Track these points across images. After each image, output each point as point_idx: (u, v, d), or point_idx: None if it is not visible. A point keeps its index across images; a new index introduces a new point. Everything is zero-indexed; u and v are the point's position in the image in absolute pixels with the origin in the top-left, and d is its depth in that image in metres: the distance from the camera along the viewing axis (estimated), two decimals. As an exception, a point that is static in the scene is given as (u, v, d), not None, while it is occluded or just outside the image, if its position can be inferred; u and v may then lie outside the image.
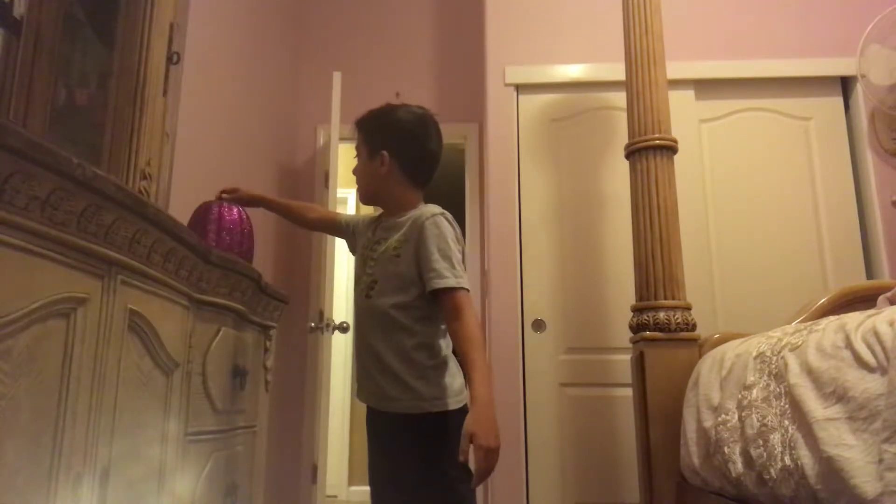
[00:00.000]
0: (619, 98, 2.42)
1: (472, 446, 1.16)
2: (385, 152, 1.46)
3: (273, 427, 2.13)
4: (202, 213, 1.66)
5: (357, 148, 1.53)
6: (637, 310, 2.07)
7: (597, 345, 2.69)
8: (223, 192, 1.74)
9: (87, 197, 0.84)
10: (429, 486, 1.30)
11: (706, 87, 2.92)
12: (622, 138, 2.30)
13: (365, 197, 1.54)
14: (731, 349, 1.70)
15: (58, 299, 0.81)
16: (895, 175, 2.80)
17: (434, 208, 1.43)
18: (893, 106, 2.76)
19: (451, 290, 1.31)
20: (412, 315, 1.36)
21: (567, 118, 2.95)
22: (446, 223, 1.39)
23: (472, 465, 1.19)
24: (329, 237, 3.00)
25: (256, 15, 2.84)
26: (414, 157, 1.48)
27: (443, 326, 1.37)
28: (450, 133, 3.52)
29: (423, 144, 1.48)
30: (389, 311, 1.36)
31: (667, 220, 2.07)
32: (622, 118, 2.36)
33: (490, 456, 1.16)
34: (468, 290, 1.34)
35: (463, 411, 1.28)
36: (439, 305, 1.34)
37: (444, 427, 1.31)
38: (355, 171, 1.54)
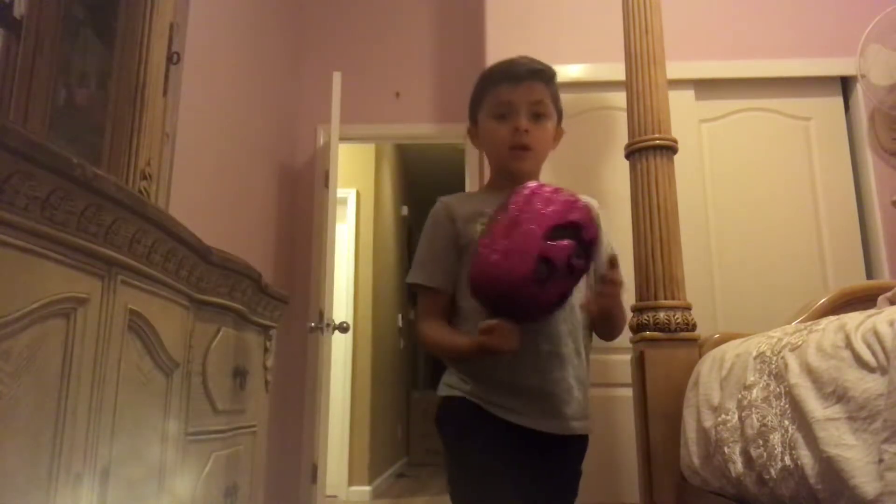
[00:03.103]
0: (619, 98, 2.42)
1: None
2: (561, 127, 1.28)
3: (273, 427, 2.13)
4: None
5: (543, 103, 1.23)
6: (637, 310, 2.07)
7: (597, 345, 2.68)
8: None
9: (87, 197, 0.84)
10: None
11: (706, 87, 2.92)
12: (622, 138, 2.30)
13: (529, 170, 1.24)
14: (731, 349, 1.70)
15: (58, 299, 0.81)
16: (895, 175, 2.80)
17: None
18: (893, 106, 2.76)
19: None
20: (585, 317, 1.23)
21: (567, 118, 2.92)
22: None
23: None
24: (329, 237, 2.99)
25: (256, 15, 2.84)
26: None
27: None
28: (450, 133, 3.54)
29: None
30: (576, 309, 1.20)
31: (667, 220, 2.07)
32: (622, 118, 2.36)
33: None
34: None
35: None
36: None
37: None
38: (535, 135, 1.21)
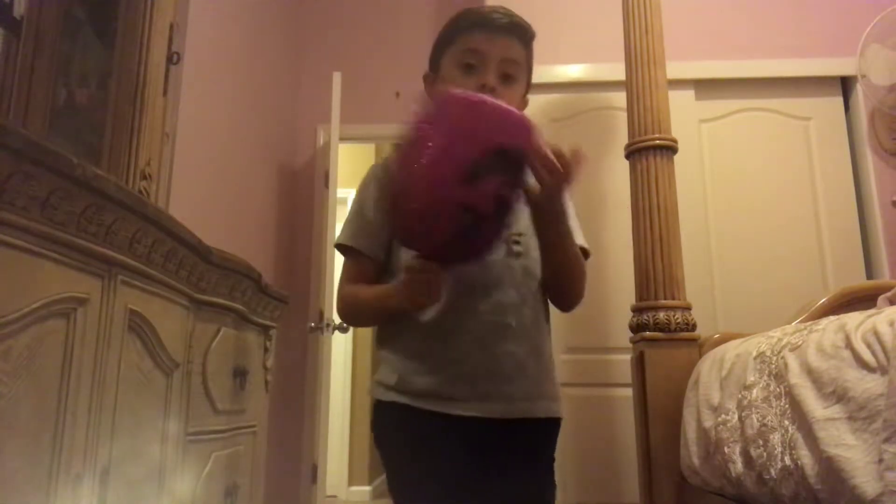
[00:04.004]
0: (619, 98, 2.42)
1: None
2: (527, 97, 1.16)
3: (273, 427, 2.13)
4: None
5: (516, 64, 1.09)
6: (637, 310, 2.07)
7: (597, 345, 2.69)
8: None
9: (87, 197, 0.84)
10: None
11: (706, 87, 2.92)
12: (622, 138, 2.30)
13: None
14: (731, 349, 1.70)
15: (58, 299, 0.81)
16: (895, 175, 2.80)
17: None
18: (893, 106, 2.76)
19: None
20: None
21: (567, 118, 2.95)
22: None
23: None
24: (329, 237, 2.99)
25: (256, 15, 2.84)
26: None
27: None
28: (450, 133, 3.52)
29: None
30: (531, 273, 1.05)
31: (667, 220, 2.07)
32: (622, 118, 2.36)
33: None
34: None
35: None
36: None
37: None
38: (502, 97, 1.02)
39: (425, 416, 0.97)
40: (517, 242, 1.04)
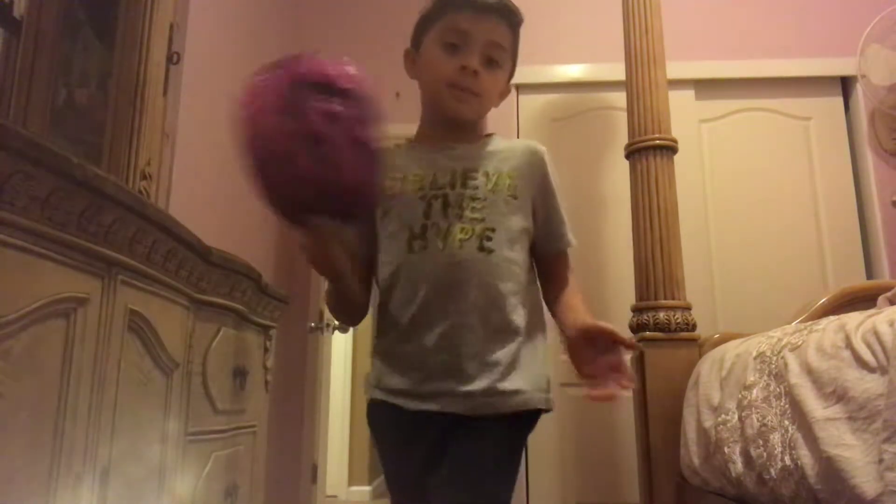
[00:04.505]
0: (619, 98, 2.42)
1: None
2: (510, 85, 1.16)
3: (273, 427, 2.13)
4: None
5: (501, 48, 1.07)
6: (637, 310, 2.07)
7: (597, 345, 2.68)
8: None
9: (87, 197, 0.84)
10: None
11: (706, 87, 2.92)
12: (622, 138, 2.30)
13: (469, 117, 1.10)
14: (731, 349, 1.70)
15: (58, 299, 0.81)
16: (895, 175, 2.80)
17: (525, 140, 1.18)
18: (893, 106, 2.76)
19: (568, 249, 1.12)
20: (528, 283, 1.07)
21: (567, 118, 2.95)
22: None
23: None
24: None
25: (256, 15, 2.84)
26: None
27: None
28: (450, 133, 3.53)
29: None
30: (517, 273, 1.03)
31: (667, 220, 2.07)
32: (622, 118, 2.36)
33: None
34: None
35: None
36: (550, 268, 1.10)
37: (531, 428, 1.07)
38: (485, 81, 1.05)
39: (402, 413, 1.01)
40: (489, 238, 1.02)
